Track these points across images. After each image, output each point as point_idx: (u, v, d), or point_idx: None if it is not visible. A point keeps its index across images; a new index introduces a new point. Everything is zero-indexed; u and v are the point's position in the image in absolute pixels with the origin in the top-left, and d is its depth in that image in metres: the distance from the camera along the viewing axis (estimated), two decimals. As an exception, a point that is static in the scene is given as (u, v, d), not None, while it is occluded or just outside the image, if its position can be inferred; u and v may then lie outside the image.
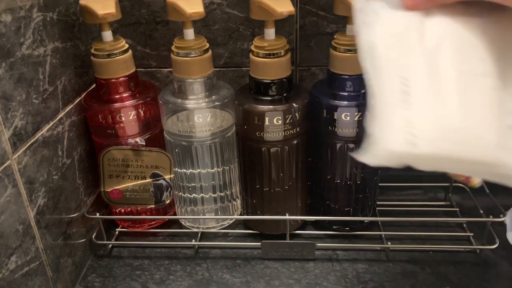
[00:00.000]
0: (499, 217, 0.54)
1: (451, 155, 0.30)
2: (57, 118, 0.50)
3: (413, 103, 0.30)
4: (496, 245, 0.54)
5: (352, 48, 0.49)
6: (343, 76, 0.50)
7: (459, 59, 0.31)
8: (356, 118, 0.50)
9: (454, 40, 0.31)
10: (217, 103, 0.53)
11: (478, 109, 0.30)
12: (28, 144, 0.44)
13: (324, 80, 0.55)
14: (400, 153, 0.30)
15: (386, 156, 0.31)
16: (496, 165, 0.30)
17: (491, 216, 0.54)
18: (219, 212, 0.60)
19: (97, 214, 0.56)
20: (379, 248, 0.57)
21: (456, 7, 0.32)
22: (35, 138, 0.45)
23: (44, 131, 0.47)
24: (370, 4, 0.33)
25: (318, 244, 0.56)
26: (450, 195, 0.64)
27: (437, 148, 0.30)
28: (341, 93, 0.51)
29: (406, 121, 0.30)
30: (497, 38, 0.31)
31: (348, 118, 0.50)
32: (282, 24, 0.60)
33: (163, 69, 0.64)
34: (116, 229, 0.61)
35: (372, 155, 0.31)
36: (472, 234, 0.58)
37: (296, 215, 0.58)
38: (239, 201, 0.61)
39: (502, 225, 0.55)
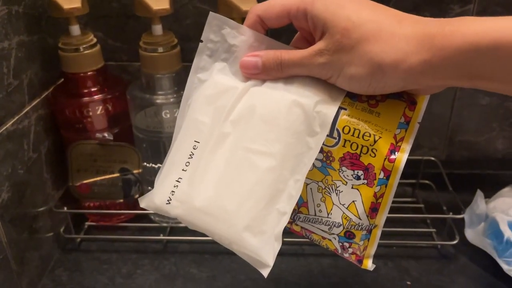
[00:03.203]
0: (460, 214, 0.55)
1: (197, 224, 0.32)
2: (23, 112, 0.49)
3: (189, 167, 0.32)
4: (456, 241, 0.55)
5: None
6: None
7: (248, 136, 0.32)
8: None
9: (255, 116, 0.32)
10: (186, 99, 0.53)
11: (241, 186, 0.31)
12: (-10, 139, 0.44)
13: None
14: (161, 209, 0.33)
15: (153, 207, 0.33)
16: (238, 244, 0.31)
17: (451, 213, 0.55)
18: (188, 207, 0.60)
19: (65, 208, 0.56)
20: (344, 243, 0.58)
21: (283, 84, 0.33)
22: (-2, 133, 0.45)
23: (8, 125, 0.47)
24: (214, 64, 0.34)
25: (285, 239, 0.57)
26: (416, 191, 0.66)
27: (186, 214, 0.32)
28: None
29: (176, 181, 0.32)
30: (295, 120, 0.32)
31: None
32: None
33: (134, 63, 0.64)
34: (85, 223, 0.61)
35: (146, 202, 0.34)
36: (434, 230, 0.59)
37: (264, 211, 0.58)
38: (209, 196, 0.62)
39: (463, 221, 0.57)
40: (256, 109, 0.32)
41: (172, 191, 0.32)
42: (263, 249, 0.31)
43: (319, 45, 0.31)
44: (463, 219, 0.56)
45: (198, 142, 0.33)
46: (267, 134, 0.32)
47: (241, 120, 0.32)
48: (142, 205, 0.34)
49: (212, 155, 0.32)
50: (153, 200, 0.33)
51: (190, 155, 0.32)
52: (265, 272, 0.31)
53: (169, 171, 0.33)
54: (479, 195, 0.56)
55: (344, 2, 0.30)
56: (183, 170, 0.32)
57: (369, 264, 0.35)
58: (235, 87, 0.33)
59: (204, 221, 0.32)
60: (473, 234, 0.55)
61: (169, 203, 0.32)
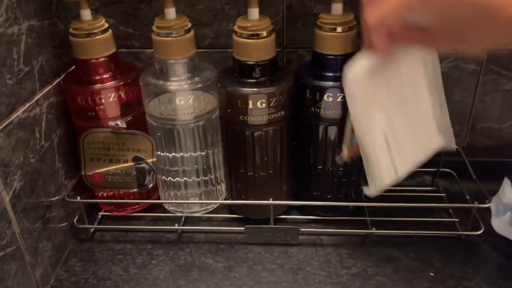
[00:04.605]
0: (485, 203, 0.53)
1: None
2: (34, 100, 0.48)
3: (390, 144, 0.42)
4: (481, 231, 0.53)
5: (337, 27, 0.48)
6: (328, 56, 0.49)
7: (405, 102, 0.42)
8: (339, 100, 0.49)
9: (403, 79, 0.41)
10: (200, 85, 0.52)
11: (425, 124, 0.44)
12: (2, 126, 0.43)
13: (309, 61, 0.54)
14: (390, 183, 0.43)
15: (384, 187, 0.43)
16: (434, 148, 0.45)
17: (476, 202, 0.53)
18: (203, 197, 0.59)
19: (78, 197, 0.55)
20: (363, 233, 0.56)
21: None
22: (9, 120, 0.44)
23: (19, 112, 0.46)
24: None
25: (302, 229, 0.55)
26: (437, 180, 0.64)
27: (407, 166, 0.44)
28: (326, 74, 0.50)
29: (391, 161, 0.42)
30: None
31: (331, 99, 0.49)
32: (268, 5, 0.58)
33: (146, 50, 0.62)
34: (99, 213, 0.60)
35: (374, 190, 0.43)
36: (458, 220, 0.57)
37: (281, 200, 0.57)
38: (224, 185, 0.60)
39: (488, 211, 0.54)
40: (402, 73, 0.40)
41: (392, 167, 0.42)
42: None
43: None
44: (486, 208, 0.54)
45: (384, 124, 0.40)
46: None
47: (396, 95, 0.40)
48: (371, 193, 0.43)
49: (397, 123, 0.41)
50: (383, 182, 0.42)
51: (385, 137, 0.41)
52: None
53: (378, 159, 0.41)
54: (507, 183, 0.54)
55: None
56: (387, 150, 0.41)
57: None
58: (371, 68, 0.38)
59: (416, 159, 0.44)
60: (499, 224, 0.52)
61: (396, 173, 0.42)
